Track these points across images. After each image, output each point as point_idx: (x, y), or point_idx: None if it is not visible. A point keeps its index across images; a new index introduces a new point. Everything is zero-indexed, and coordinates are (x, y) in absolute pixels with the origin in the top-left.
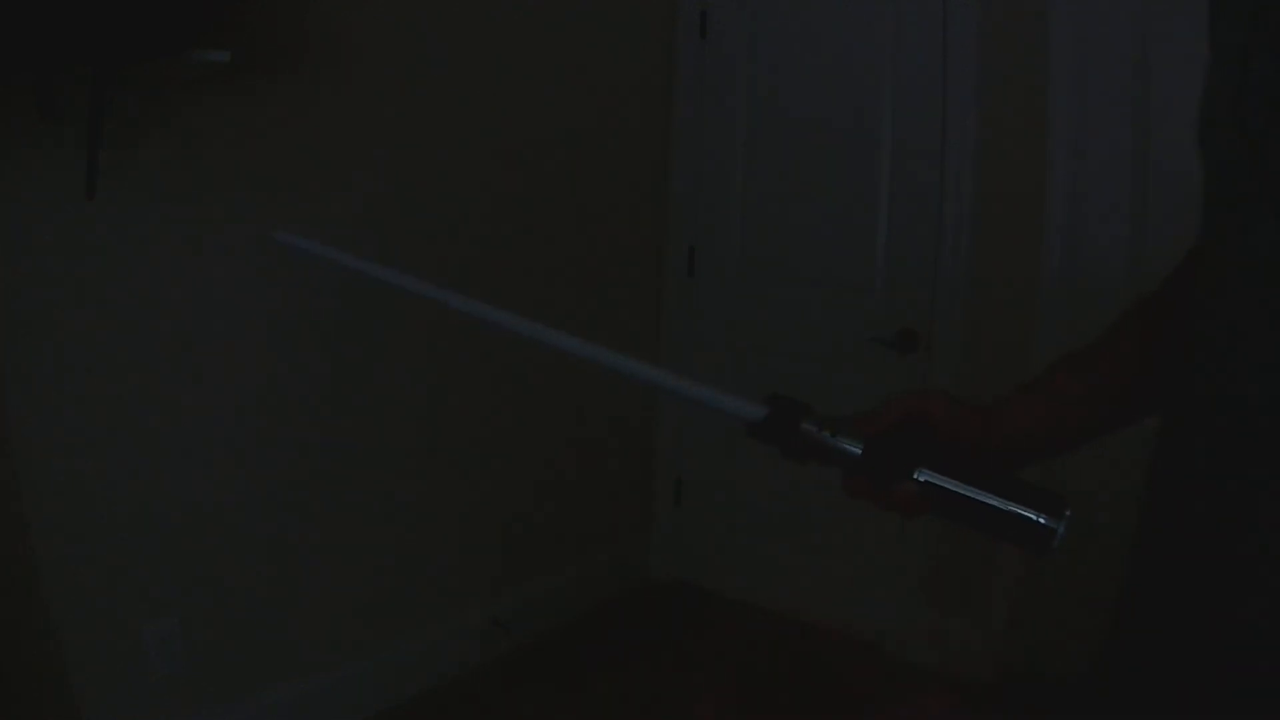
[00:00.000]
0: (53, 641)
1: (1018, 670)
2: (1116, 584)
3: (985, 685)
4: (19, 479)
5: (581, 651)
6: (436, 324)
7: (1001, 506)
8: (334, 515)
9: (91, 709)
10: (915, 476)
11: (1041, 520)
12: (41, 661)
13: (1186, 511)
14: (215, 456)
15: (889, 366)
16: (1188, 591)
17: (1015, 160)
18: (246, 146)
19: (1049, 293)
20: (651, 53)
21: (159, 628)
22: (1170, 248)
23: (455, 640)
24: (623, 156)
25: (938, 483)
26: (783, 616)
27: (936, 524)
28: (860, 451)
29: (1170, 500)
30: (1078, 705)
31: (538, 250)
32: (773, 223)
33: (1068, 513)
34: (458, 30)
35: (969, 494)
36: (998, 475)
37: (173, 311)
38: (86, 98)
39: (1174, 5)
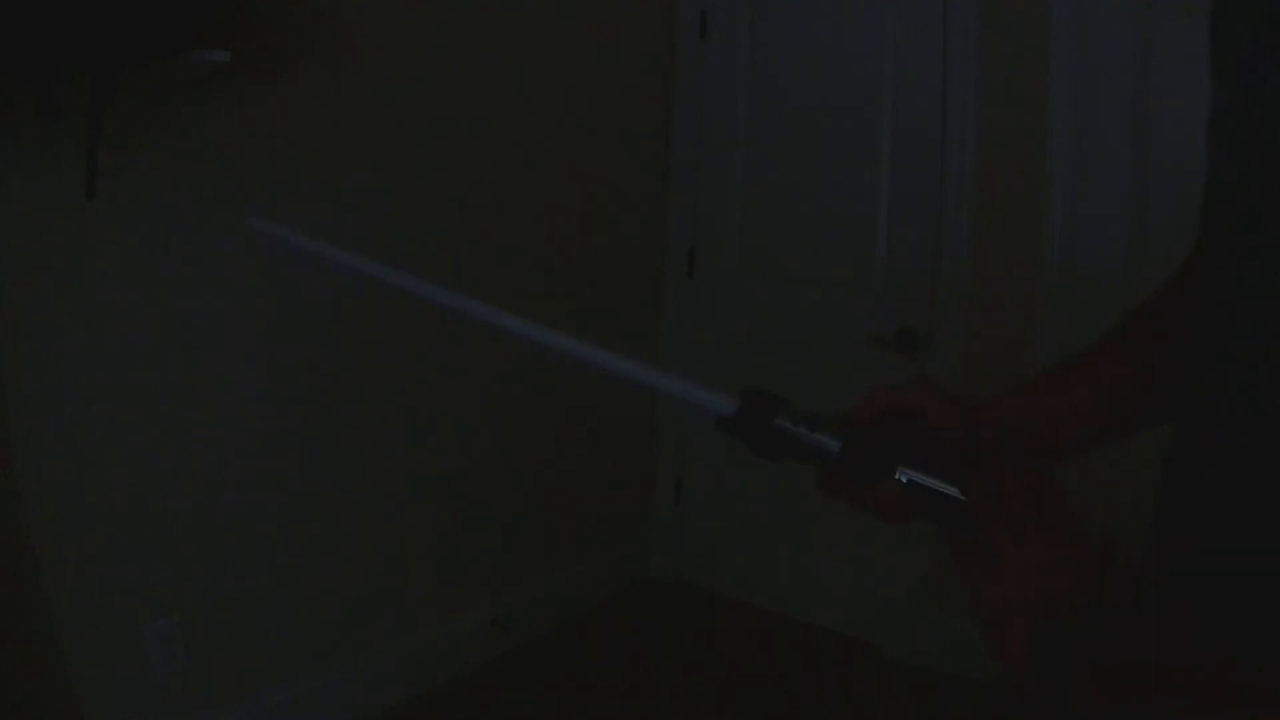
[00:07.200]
0: (53, 641)
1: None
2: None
3: (985, 685)
4: (19, 479)
5: (581, 651)
6: (436, 323)
7: None
8: (334, 515)
9: (91, 709)
10: (898, 476)
11: None
12: (41, 661)
13: (1199, 516)
14: (215, 456)
15: (889, 366)
16: (1198, 593)
17: (1015, 159)
18: (246, 146)
19: (1049, 292)
20: (651, 53)
21: (159, 628)
22: (1170, 247)
23: (455, 640)
24: (622, 156)
25: (921, 482)
26: (783, 616)
27: None
28: (838, 447)
29: (1183, 505)
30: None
31: (537, 250)
32: (773, 223)
33: None
34: (457, 30)
35: (955, 495)
36: None
37: (172, 311)
38: (86, 98)
39: (1174, 5)
